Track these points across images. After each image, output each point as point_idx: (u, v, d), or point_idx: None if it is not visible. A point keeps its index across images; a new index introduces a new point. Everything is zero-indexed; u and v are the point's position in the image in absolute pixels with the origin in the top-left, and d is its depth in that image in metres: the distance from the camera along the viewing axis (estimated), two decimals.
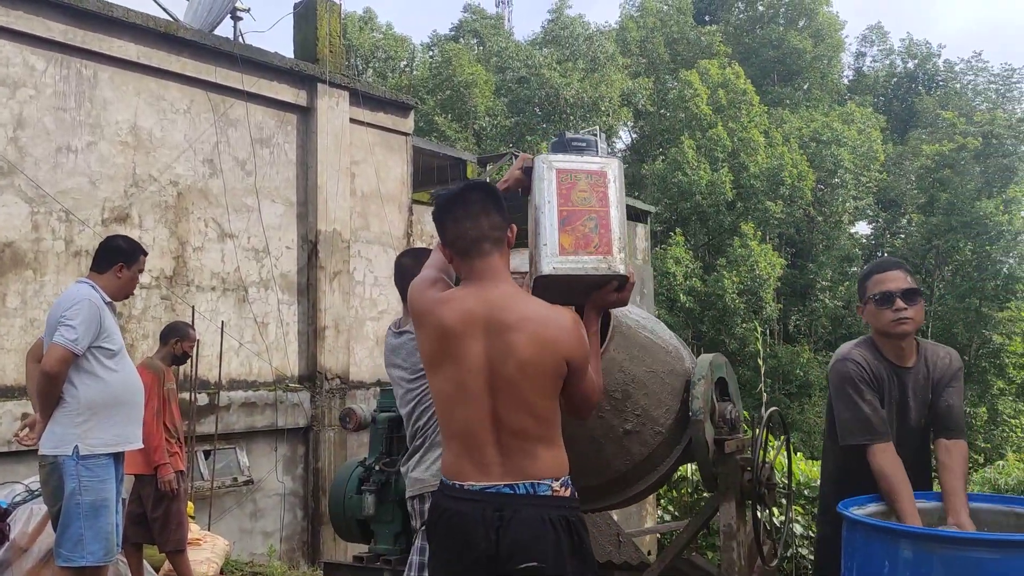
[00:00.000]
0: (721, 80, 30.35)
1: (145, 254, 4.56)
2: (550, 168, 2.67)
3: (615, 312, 3.45)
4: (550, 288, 2.60)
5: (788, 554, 10.21)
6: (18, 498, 5.22)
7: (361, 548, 4.57)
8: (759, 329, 23.63)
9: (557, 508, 2.45)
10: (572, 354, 2.49)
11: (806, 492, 10.70)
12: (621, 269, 2.61)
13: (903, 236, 33.61)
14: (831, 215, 30.69)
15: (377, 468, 4.35)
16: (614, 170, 2.74)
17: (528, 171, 2.75)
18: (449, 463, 2.54)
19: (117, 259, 4.42)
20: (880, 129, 32.80)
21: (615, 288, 2.68)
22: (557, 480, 2.48)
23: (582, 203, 2.65)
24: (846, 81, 39.42)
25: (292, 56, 9.74)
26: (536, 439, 2.47)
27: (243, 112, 8.76)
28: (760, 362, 19.21)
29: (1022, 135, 31.48)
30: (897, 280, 3.19)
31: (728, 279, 26.13)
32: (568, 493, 2.51)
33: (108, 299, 4.36)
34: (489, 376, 2.46)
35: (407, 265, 3.29)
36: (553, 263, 2.57)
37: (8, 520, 5.01)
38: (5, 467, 6.37)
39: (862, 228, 35.35)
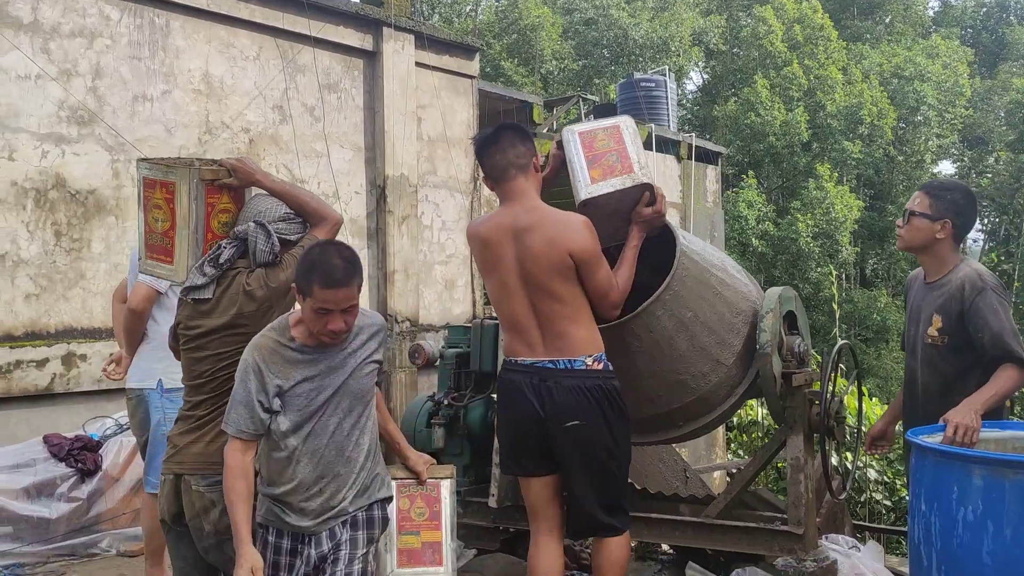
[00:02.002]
0: (797, 15, 29.22)
1: None
2: (573, 133, 3.31)
3: (683, 252, 3.52)
4: (595, 217, 3.13)
5: (863, 499, 10.09)
6: (109, 431, 5.52)
7: None
8: (834, 273, 23.04)
9: (592, 379, 3.06)
10: (575, 248, 3.01)
11: None
12: (643, 178, 3.18)
13: (990, 175, 32.15)
14: (913, 154, 29.54)
15: (445, 403, 4.44)
16: (627, 122, 3.34)
17: (560, 144, 3.35)
18: (507, 345, 3.24)
19: None
20: (967, 63, 31.22)
21: (648, 203, 3.24)
22: (590, 356, 3.07)
23: (603, 147, 3.24)
24: (931, 13, 37.53)
25: (357, 0, 9.75)
26: (568, 320, 3.06)
27: (310, 58, 8.83)
28: (835, 307, 18.83)
29: None
30: (911, 201, 3.38)
31: (803, 222, 25.47)
32: (600, 367, 3.09)
33: None
34: (521, 273, 3.08)
35: None
36: (587, 190, 3.17)
37: (100, 452, 5.30)
38: (95, 403, 6.69)
39: (946, 167, 34.01)
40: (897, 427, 10.94)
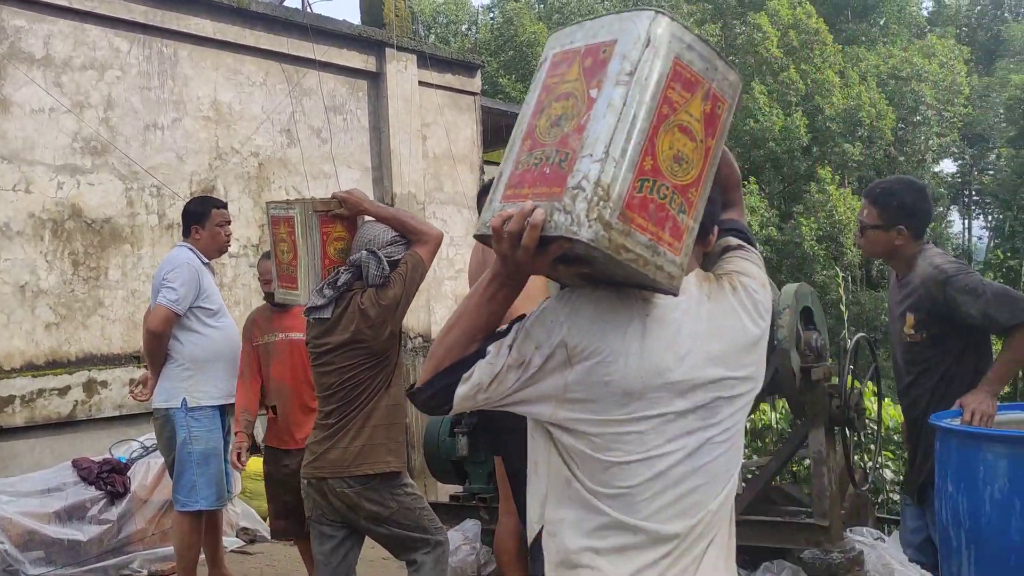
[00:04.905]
0: (792, 21, 29.39)
1: (218, 206, 4.73)
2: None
3: None
4: None
5: (880, 500, 10.07)
6: (135, 454, 5.59)
7: (456, 489, 4.77)
8: (840, 275, 23.05)
9: None
10: None
11: (896, 438, 10.48)
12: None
13: (991, 172, 32.26)
14: (913, 154, 29.62)
15: (468, 412, 4.50)
16: None
17: None
18: None
19: (191, 222, 4.66)
20: (964, 61, 31.34)
21: None
22: None
23: None
24: (925, 13, 37.73)
25: (359, 23, 9.88)
26: None
27: (316, 81, 8.95)
28: (843, 309, 18.85)
29: None
30: (861, 212, 3.39)
31: (806, 226, 25.53)
32: None
33: (205, 260, 4.60)
34: None
35: None
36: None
37: (128, 474, 5.37)
38: (118, 429, 6.76)
39: (947, 166, 34.07)
40: None
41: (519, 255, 1.46)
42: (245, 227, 8.35)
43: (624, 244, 1.40)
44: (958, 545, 2.58)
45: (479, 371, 1.56)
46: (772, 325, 3.82)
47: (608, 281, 1.55)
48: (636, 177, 1.41)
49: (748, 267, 1.71)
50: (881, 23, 34.74)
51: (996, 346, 3.34)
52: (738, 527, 3.85)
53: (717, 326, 1.60)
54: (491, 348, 1.57)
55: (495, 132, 13.53)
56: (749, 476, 4.41)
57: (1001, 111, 31.27)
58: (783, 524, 3.80)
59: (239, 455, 4.30)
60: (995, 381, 2.91)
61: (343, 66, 9.30)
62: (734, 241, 1.77)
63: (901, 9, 34.84)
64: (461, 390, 1.57)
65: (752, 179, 27.64)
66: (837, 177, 27.32)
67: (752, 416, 13.77)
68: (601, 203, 1.38)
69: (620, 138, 1.39)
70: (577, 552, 1.56)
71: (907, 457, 3.31)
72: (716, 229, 1.72)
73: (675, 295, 1.52)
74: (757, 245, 1.81)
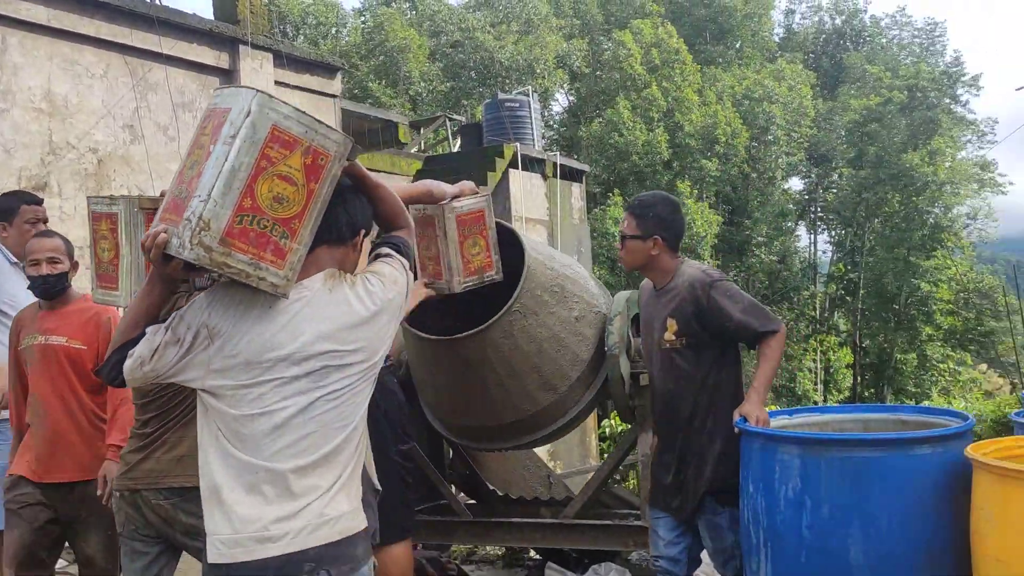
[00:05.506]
0: (654, 40, 30.44)
1: (30, 202, 4.32)
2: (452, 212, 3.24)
3: (531, 263, 3.62)
4: None
5: None
6: None
7: None
8: None
9: None
10: None
11: None
12: (499, 277, 3.46)
13: (835, 190, 34.37)
14: (765, 171, 31.18)
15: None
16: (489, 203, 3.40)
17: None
18: None
19: None
20: (810, 85, 33.32)
21: None
22: None
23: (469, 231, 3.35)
24: (776, 39, 39.85)
25: (211, 18, 9.54)
26: None
27: (163, 76, 8.57)
28: None
29: (945, 88, 32.35)
30: (622, 224, 3.51)
31: None
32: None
33: (14, 260, 4.27)
34: None
35: None
36: (462, 284, 3.38)
37: None
38: None
39: (795, 183, 36.05)
40: None
41: (154, 264, 2.02)
42: (81, 227, 7.87)
43: (226, 262, 1.92)
44: (757, 543, 2.71)
45: (140, 347, 2.07)
46: (603, 332, 3.93)
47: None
48: (236, 213, 1.91)
49: (382, 268, 2.22)
50: (737, 46, 36.48)
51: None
52: (570, 531, 3.93)
53: (331, 311, 2.09)
54: (149, 329, 2.09)
55: (357, 136, 13.34)
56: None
57: (843, 133, 33.36)
58: (613, 527, 3.89)
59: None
60: (762, 389, 3.07)
61: (193, 61, 8.95)
62: (384, 250, 2.27)
63: (755, 34, 36.69)
64: (127, 363, 2.07)
65: (616, 191, 28.42)
66: (695, 191, 28.44)
67: (611, 421, 14.07)
68: (202, 232, 1.89)
69: (220, 184, 1.90)
70: (219, 488, 2.07)
71: (672, 472, 3.29)
72: (362, 234, 2.24)
73: (284, 297, 2.04)
74: (411, 255, 2.34)
